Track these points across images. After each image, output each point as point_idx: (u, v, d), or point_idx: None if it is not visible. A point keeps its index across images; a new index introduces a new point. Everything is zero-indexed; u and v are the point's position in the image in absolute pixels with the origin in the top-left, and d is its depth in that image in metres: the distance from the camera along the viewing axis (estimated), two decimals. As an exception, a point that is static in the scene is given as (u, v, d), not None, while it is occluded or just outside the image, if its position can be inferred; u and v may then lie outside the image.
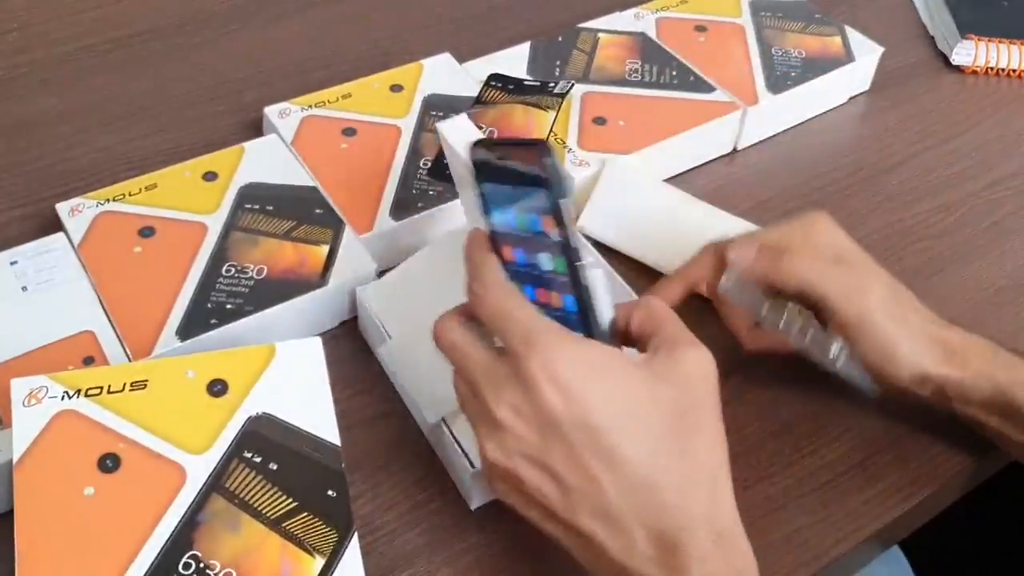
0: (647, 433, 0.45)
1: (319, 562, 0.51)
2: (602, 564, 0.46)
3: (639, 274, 0.70)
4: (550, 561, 0.54)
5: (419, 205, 0.70)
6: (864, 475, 0.61)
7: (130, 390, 0.56)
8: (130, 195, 0.70)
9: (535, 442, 0.46)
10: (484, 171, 0.49)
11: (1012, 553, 0.91)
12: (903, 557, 0.78)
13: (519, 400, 0.46)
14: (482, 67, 0.83)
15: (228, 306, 0.64)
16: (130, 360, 0.61)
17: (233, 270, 0.66)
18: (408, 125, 0.77)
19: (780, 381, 0.66)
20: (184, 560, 0.50)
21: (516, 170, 0.47)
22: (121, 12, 0.93)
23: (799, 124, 0.87)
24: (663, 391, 0.46)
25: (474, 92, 0.79)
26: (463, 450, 0.57)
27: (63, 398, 0.55)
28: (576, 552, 0.47)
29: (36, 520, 0.51)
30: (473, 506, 0.59)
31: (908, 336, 0.57)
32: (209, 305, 0.64)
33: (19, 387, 0.55)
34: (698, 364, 0.47)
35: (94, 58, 0.88)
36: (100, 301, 0.64)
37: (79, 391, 0.55)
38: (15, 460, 0.52)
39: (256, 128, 0.80)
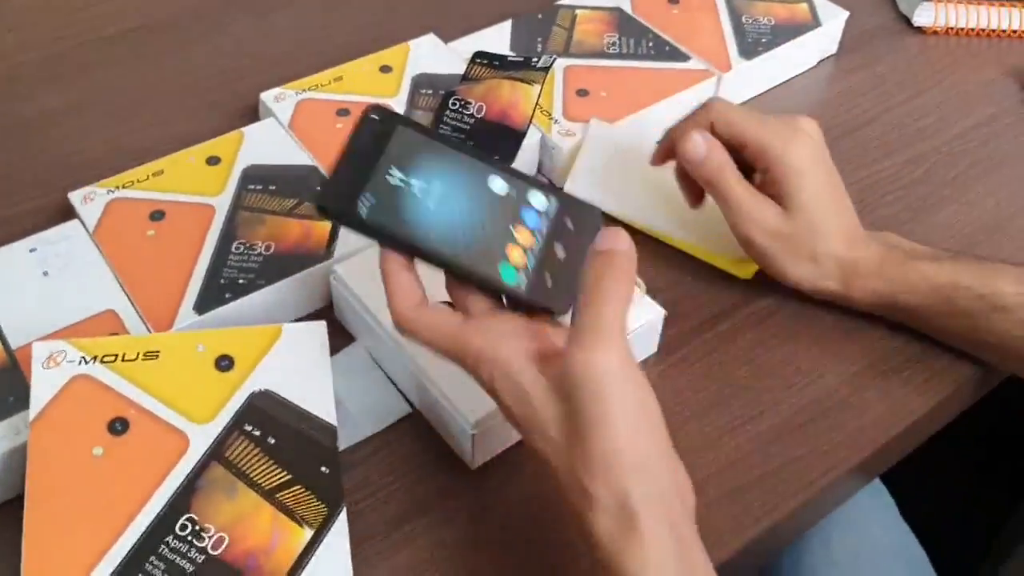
0: (636, 415, 0.48)
1: (308, 533, 0.53)
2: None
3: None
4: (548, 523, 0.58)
5: (415, 179, 0.74)
6: (848, 410, 0.65)
7: (143, 359, 0.58)
8: (138, 182, 0.73)
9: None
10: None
11: (987, 484, 0.96)
12: (885, 490, 0.82)
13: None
14: (466, 46, 0.86)
15: (240, 281, 0.67)
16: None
17: (242, 247, 0.69)
18: (400, 103, 0.80)
19: (767, 328, 0.70)
20: (181, 522, 0.53)
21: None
22: (116, 9, 0.95)
23: (772, 88, 0.90)
24: (636, 385, 0.49)
25: (461, 70, 0.82)
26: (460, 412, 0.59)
27: (80, 363, 0.57)
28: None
29: (46, 475, 0.53)
30: (474, 466, 0.61)
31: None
32: (222, 280, 0.67)
33: (40, 350, 0.58)
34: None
35: (93, 54, 0.91)
36: (119, 282, 0.66)
37: (95, 357, 0.58)
38: (31, 418, 0.55)
39: (253, 114, 0.83)
